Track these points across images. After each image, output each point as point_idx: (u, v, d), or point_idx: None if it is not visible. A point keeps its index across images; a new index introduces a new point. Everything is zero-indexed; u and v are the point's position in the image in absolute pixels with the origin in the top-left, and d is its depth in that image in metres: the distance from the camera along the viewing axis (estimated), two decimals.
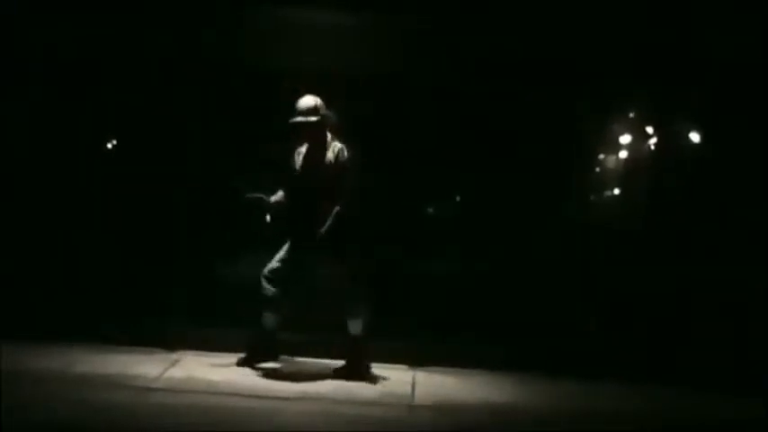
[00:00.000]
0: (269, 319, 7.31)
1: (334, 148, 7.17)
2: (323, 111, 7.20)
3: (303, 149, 7.28)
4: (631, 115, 8.83)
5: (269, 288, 7.24)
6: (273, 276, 7.25)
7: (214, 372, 7.24)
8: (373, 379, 7.28)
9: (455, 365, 7.83)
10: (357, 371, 7.28)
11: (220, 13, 8.47)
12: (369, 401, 6.78)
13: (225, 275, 8.48)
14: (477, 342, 8.09)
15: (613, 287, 8.42)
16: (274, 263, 7.28)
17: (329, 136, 7.22)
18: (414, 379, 7.46)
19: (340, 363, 7.36)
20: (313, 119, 7.15)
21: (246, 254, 8.13)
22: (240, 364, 7.40)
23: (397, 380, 7.37)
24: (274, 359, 7.48)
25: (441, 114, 8.62)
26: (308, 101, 7.18)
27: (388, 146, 8.47)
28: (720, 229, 8.38)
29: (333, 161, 7.14)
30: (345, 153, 7.16)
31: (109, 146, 8.74)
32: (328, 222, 7.04)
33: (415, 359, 7.84)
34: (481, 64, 8.50)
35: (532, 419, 6.73)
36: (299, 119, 7.16)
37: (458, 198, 8.96)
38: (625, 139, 8.82)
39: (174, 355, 7.64)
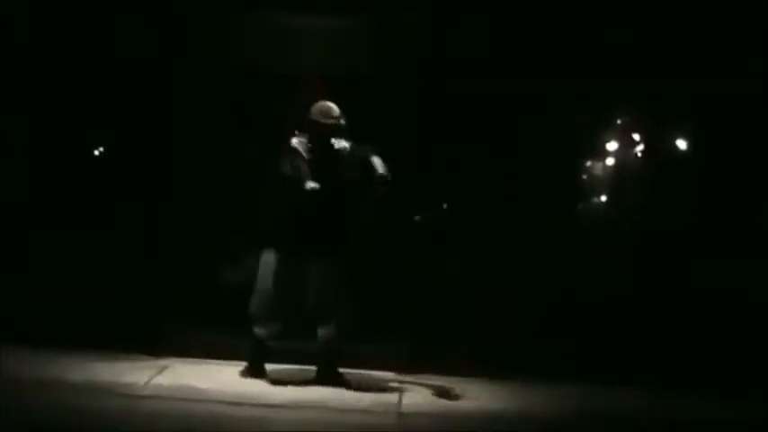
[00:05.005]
0: (261, 330, 7.30)
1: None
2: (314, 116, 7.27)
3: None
4: (619, 121, 8.86)
5: (257, 298, 7.28)
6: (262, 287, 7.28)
7: (203, 379, 7.24)
8: (359, 385, 7.29)
9: (443, 372, 7.84)
10: (335, 376, 7.31)
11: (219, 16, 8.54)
12: (357, 409, 6.80)
13: (218, 279, 8.48)
14: (465, 347, 8.09)
15: (609, 289, 8.43)
16: (264, 272, 7.28)
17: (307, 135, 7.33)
18: (402, 386, 7.48)
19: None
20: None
21: (241, 258, 8.14)
22: (244, 373, 7.38)
23: (385, 387, 7.39)
24: (264, 372, 7.46)
25: (432, 117, 8.62)
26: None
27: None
28: (720, 231, 8.41)
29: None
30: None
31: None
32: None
33: (404, 366, 7.87)
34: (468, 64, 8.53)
35: (523, 426, 6.75)
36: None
37: (444, 206, 8.96)
38: (616, 144, 8.84)
39: (163, 362, 7.64)
